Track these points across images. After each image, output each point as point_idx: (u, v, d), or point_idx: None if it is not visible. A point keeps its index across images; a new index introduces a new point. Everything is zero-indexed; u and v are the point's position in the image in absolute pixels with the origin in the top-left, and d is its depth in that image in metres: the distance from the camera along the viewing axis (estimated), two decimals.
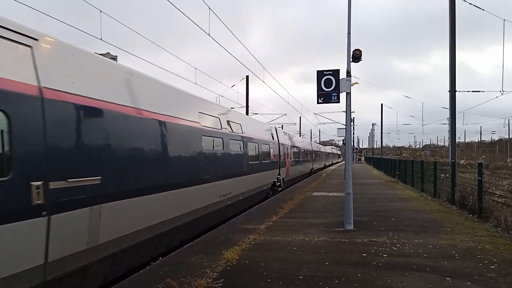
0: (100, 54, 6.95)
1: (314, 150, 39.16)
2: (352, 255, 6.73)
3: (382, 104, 57.78)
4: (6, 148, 4.20)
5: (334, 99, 9.16)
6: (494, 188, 11.03)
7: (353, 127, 53.45)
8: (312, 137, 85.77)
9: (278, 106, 76.02)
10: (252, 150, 14.22)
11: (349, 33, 9.34)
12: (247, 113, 31.57)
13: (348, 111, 9.45)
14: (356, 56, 9.25)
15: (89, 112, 5.52)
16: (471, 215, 10.77)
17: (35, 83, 4.58)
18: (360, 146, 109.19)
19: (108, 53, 8.64)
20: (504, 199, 10.42)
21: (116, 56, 8.99)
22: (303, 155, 29.25)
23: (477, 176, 10.70)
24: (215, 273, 5.75)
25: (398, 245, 7.38)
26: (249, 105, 32.90)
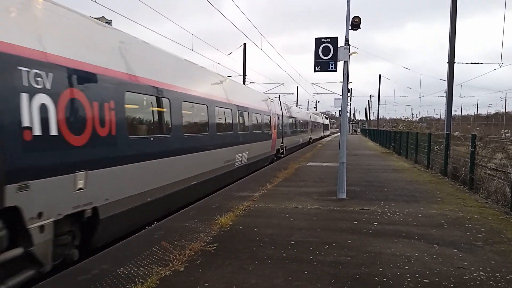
0: (95, 18, 6.79)
1: (323, 123, 57.66)
2: (343, 222, 6.88)
3: (380, 75, 57.43)
4: None
5: (332, 68, 9.06)
6: (486, 160, 11.14)
7: (350, 98, 53.42)
8: (308, 107, 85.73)
9: (273, 75, 74.46)
10: (306, 125, 34.56)
11: None
12: (244, 82, 31.28)
13: (345, 80, 9.36)
14: (355, 24, 9.09)
15: None
16: (462, 186, 10.96)
17: None
18: (357, 118, 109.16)
19: (103, 17, 8.41)
20: (495, 171, 10.55)
21: (111, 20, 8.75)
22: (318, 127, 48.65)
23: (470, 148, 10.81)
24: (209, 237, 5.88)
25: (388, 214, 7.54)
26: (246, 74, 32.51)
